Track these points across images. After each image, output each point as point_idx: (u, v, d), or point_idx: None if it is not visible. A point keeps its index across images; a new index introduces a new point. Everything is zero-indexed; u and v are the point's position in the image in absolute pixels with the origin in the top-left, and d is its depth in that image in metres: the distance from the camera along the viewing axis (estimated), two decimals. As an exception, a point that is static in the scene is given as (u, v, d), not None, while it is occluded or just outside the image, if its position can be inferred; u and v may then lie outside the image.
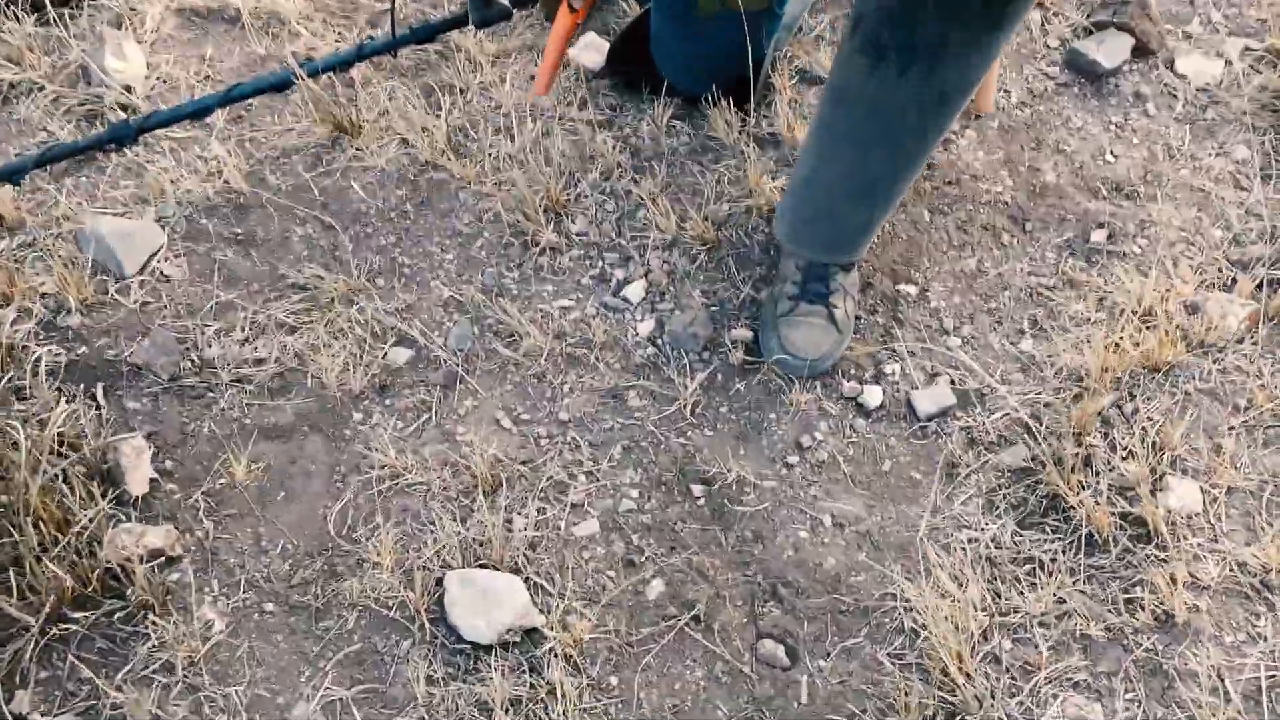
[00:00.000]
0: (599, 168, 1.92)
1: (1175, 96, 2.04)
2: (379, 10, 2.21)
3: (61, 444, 1.52)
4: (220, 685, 1.39)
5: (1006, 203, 1.89)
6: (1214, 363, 1.65)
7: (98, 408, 1.62)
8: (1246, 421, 1.59)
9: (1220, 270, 1.77)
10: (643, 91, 2.02)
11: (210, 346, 1.70)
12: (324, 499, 1.56)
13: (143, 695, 1.37)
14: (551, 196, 1.84)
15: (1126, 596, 1.44)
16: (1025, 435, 1.60)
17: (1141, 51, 2.09)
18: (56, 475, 1.47)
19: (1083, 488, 1.53)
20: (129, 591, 1.42)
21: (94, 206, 1.87)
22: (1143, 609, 1.42)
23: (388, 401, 1.66)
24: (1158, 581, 1.43)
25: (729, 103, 1.94)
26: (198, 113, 1.90)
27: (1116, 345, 1.66)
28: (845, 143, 1.51)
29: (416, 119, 1.97)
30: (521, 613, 1.42)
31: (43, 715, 1.36)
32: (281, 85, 1.94)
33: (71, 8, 2.16)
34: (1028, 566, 1.49)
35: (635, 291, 1.77)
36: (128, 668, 1.39)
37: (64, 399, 1.59)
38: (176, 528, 1.51)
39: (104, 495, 1.48)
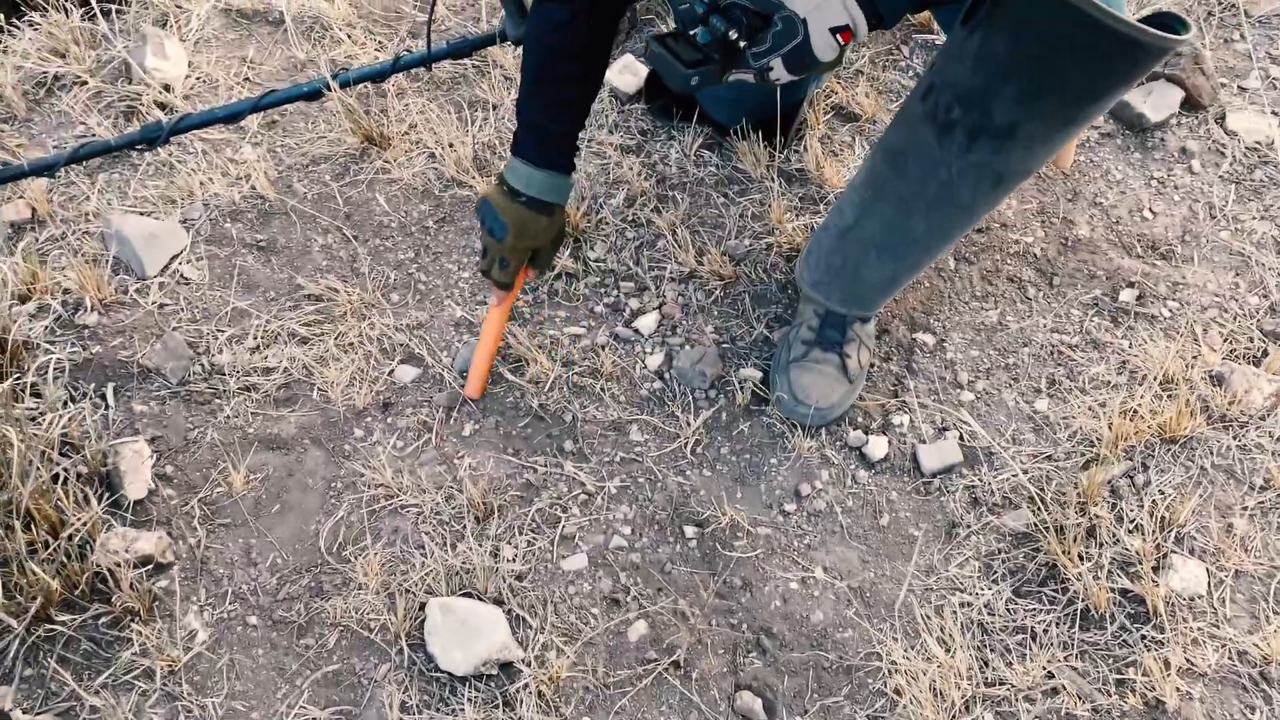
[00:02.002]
0: (623, 193, 1.91)
1: (1223, 154, 1.98)
2: (421, 21, 2.22)
3: (64, 444, 1.54)
4: (198, 696, 1.40)
5: (1036, 255, 1.84)
6: (1234, 438, 1.60)
7: (106, 408, 1.64)
8: (1262, 503, 1.53)
9: (1251, 340, 1.71)
10: (674, 118, 2.00)
11: (221, 353, 1.71)
12: (317, 514, 1.57)
13: (120, 701, 1.38)
14: (572, 220, 1.84)
15: (1118, 677, 1.40)
16: (1030, 499, 1.56)
17: (1192, 105, 2.03)
18: (55, 476, 1.49)
19: (1083, 559, 1.49)
20: (115, 597, 1.43)
21: (123, 204, 1.90)
22: (1133, 692, 1.38)
23: (390, 420, 1.66)
24: (1151, 665, 1.38)
25: (759, 136, 1.92)
26: (230, 117, 1.92)
27: (1134, 412, 1.62)
28: (890, 202, 1.49)
29: (444, 134, 1.97)
30: (500, 646, 1.41)
31: (25, 713, 1.38)
32: (314, 94, 1.95)
33: (119, 4, 2.20)
34: (1019, 636, 1.45)
35: (648, 323, 1.76)
36: (109, 672, 1.40)
37: (72, 398, 1.62)
38: (169, 534, 1.52)
39: (100, 499, 1.50)
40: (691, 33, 1.35)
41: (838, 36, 1.34)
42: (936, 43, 2.12)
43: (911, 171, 1.45)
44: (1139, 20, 1.23)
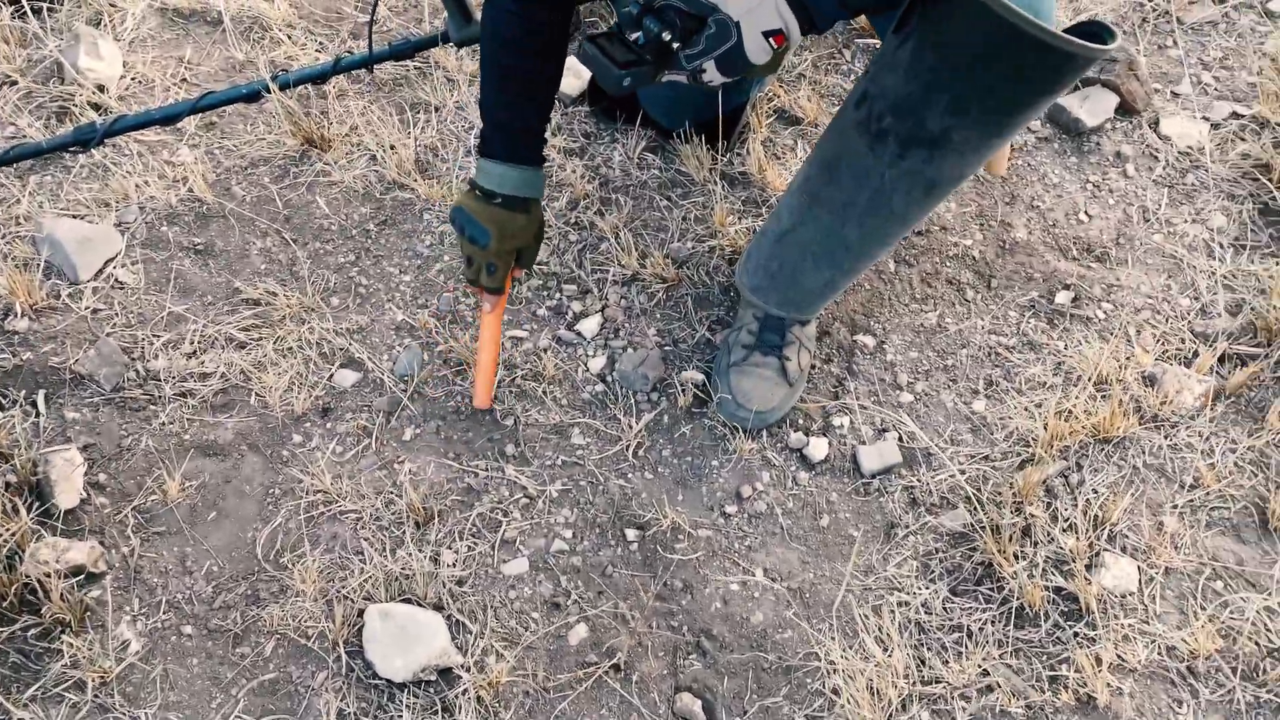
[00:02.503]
0: (566, 196, 1.91)
1: (1156, 158, 2.01)
2: (361, 22, 2.20)
3: (-8, 452, 1.52)
4: (131, 707, 1.38)
5: (974, 257, 1.86)
6: (1165, 438, 1.63)
7: (36, 415, 1.61)
8: (1192, 501, 1.56)
9: (1183, 341, 1.75)
10: (617, 121, 2.01)
11: (157, 358, 1.69)
12: (254, 521, 1.55)
13: (50, 714, 1.36)
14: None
15: (1051, 674, 1.42)
16: (967, 499, 1.58)
17: (1126, 110, 2.07)
18: (-18, 484, 1.46)
19: (1018, 558, 1.51)
20: (45, 608, 1.41)
21: (56, 207, 1.86)
22: (1066, 688, 1.40)
23: (329, 425, 1.65)
24: (1084, 661, 1.41)
25: (702, 139, 1.92)
26: (167, 119, 1.89)
27: (1069, 413, 1.64)
28: (824, 208, 1.50)
29: (386, 135, 1.96)
30: (439, 652, 1.41)
31: (-50, 726, 1.35)
32: (253, 96, 1.93)
33: (50, 2, 2.16)
34: (955, 635, 1.46)
35: (590, 326, 1.76)
36: (38, 685, 1.38)
37: (0, 406, 1.59)
38: (102, 543, 1.50)
39: (30, 508, 1.47)
40: (629, 34, 1.35)
41: (771, 40, 1.35)
42: (877, 47, 2.14)
43: (845, 179, 1.46)
44: (1068, 29, 1.25)
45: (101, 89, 2.02)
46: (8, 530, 1.43)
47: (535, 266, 1.81)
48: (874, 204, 1.46)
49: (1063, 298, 1.81)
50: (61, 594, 1.41)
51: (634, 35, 1.33)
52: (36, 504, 1.49)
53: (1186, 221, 1.92)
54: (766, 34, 1.34)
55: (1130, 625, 1.45)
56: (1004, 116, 1.34)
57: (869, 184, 1.44)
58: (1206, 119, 2.07)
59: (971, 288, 1.83)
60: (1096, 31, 1.26)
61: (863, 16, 1.93)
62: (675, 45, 1.35)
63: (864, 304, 1.80)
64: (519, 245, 1.55)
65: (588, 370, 1.71)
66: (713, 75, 1.40)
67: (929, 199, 1.46)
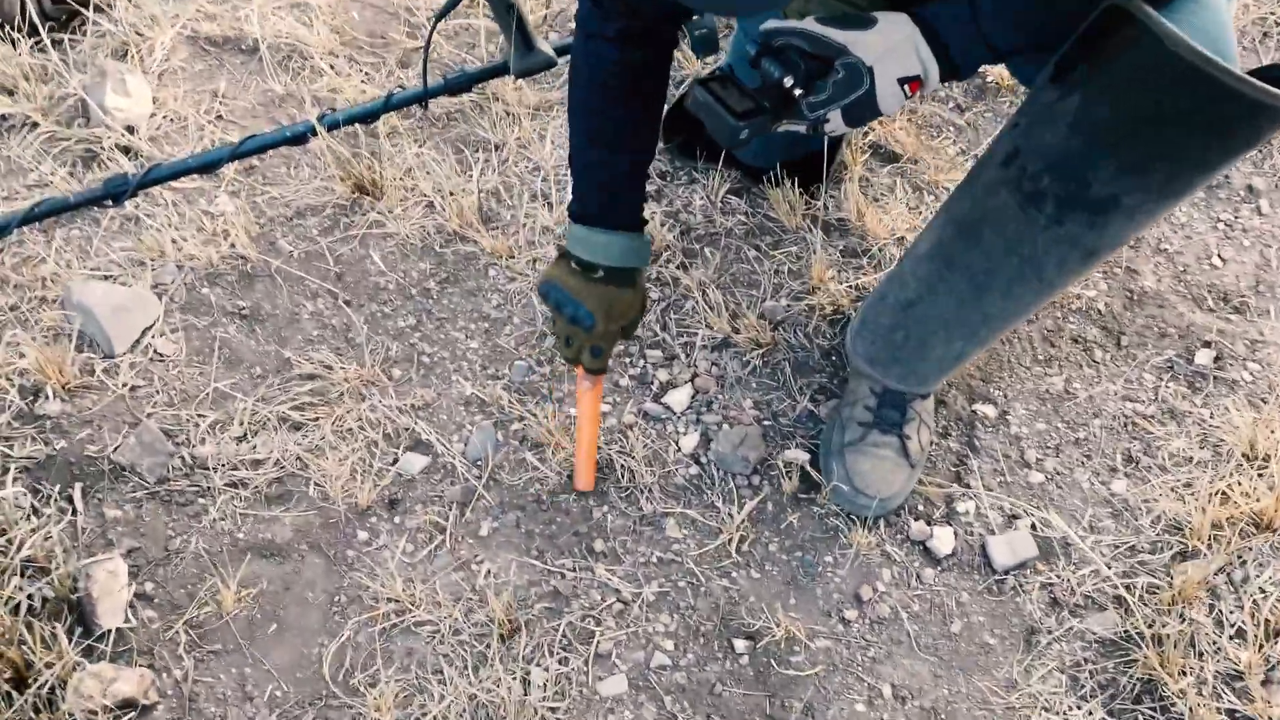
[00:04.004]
0: (644, 246, 1.73)
1: (1291, 191, 1.83)
2: (410, 49, 2.02)
3: (27, 567, 1.35)
4: None
5: (1100, 311, 1.68)
6: (1338, 527, 1.45)
7: (73, 513, 1.44)
8: (1375, 603, 1.39)
9: (1342, 407, 1.57)
10: (698, 160, 1.82)
11: (204, 443, 1.52)
12: (320, 635, 1.38)
13: None
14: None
15: (1234, 817, 1.25)
16: (1116, 600, 1.40)
17: (1254, 136, 1.87)
18: (17, 607, 1.29)
19: (1184, 674, 1.33)
20: (92, 753, 1.25)
21: (86, 266, 1.69)
22: (1253, 836, 1.23)
23: (397, 519, 1.48)
24: (1270, 801, 1.24)
25: (793, 181, 1.74)
26: (204, 167, 1.72)
27: (1224, 495, 1.46)
28: (962, 276, 1.31)
29: (443, 180, 1.78)
30: (536, 797, 1.24)
31: None
32: (299, 139, 1.75)
33: (72, 33, 1.98)
34: (1117, 765, 1.30)
35: (680, 399, 1.58)
36: (86, 843, 1.22)
37: (35, 508, 1.42)
38: (152, 667, 1.33)
39: (70, 632, 1.31)
40: (742, 82, 1.18)
41: (906, 88, 1.18)
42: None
43: (989, 244, 1.28)
44: (1251, 73, 1.07)
45: (131, 130, 1.84)
46: (45, 661, 1.26)
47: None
48: (1022, 272, 1.28)
49: (1203, 357, 1.63)
50: (110, 737, 1.25)
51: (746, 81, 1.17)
52: (78, 626, 1.33)
53: (1332, 265, 1.74)
54: (902, 80, 1.18)
55: (1317, 755, 1.28)
56: (1185, 180, 1.16)
57: (1018, 251, 1.26)
58: (1344, 146, 1.88)
59: (1100, 346, 1.65)
60: (1277, 76, 1.08)
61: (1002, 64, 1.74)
62: (798, 93, 1.18)
63: (981, 368, 1.62)
64: (624, 324, 1.37)
65: (680, 450, 1.54)
66: (836, 125, 1.22)
67: (1084, 266, 1.27)
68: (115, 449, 1.50)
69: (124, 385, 1.57)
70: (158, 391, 1.57)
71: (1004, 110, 1.94)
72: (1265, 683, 1.32)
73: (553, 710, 1.33)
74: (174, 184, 1.79)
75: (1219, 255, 1.75)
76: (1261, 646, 1.35)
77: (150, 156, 1.82)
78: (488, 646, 1.37)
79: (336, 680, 1.35)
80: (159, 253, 1.71)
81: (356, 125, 1.83)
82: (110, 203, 1.69)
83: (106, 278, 1.68)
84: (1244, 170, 1.85)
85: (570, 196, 1.37)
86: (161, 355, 1.61)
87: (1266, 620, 1.37)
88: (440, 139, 1.87)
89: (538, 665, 1.36)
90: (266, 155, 1.84)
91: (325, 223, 1.76)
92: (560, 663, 1.37)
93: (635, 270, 1.36)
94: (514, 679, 1.33)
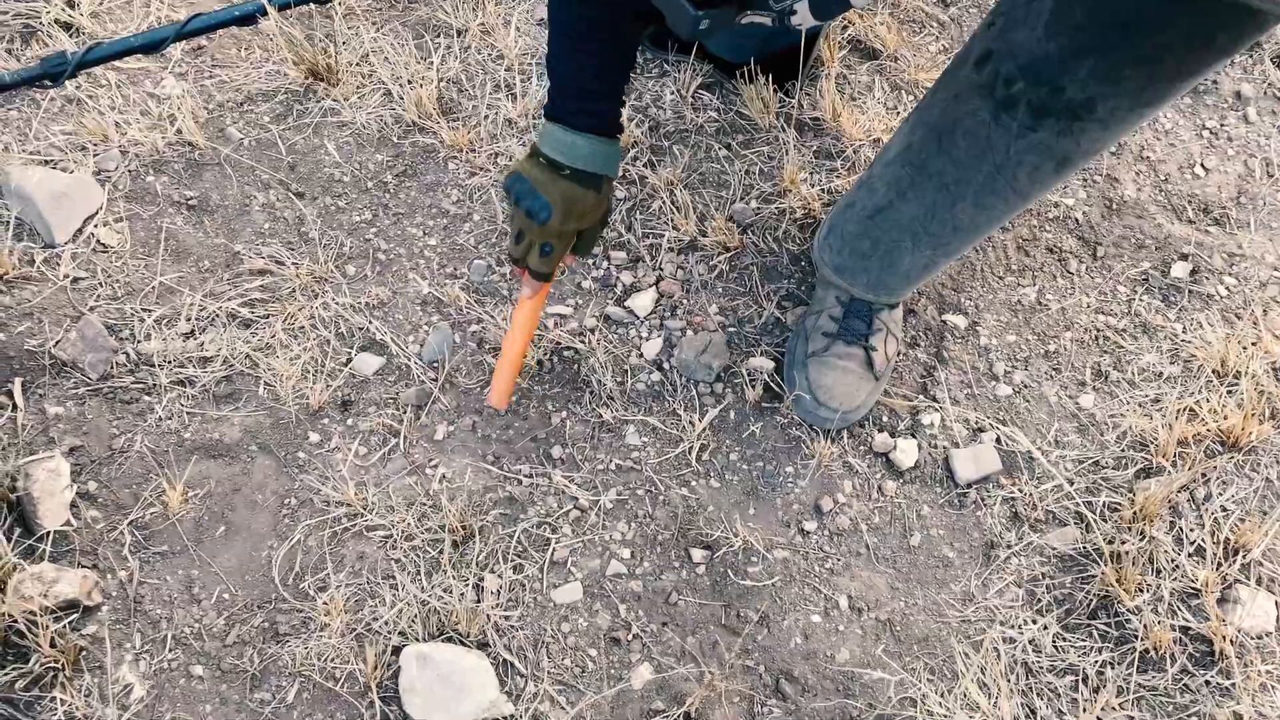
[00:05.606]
0: (611, 142, 1.66)
1: (1280, 99, 1.77)
2: (369, -76, 1.90)
3: (-37, 465, 1.31)
4: (137, 764, 1.21)
5: (1077, 220, 1.64)
6: (1303, 446, 1.44)
7: (13, 409, 1.40)
8: (1336, 523, 1.38)
9: (1317, 324, 1.54)
10: (669, 51, 1.74)
11: (149, 339, 1.47)
12: (269, 538, 1.35)
13: (44, 778, 1.19)
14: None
15: (1181, 732, 1.26)
16: (1077, 516, 1.39)
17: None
18: (-47, 508, 1.26)
19: (1141, 590, 1.33)
20: (33, 655, 1.22)
21: (24, 151, 1.61)
22: (1199, 750, 1.24)
23: (350, 421, 1.44)
24: (1218, 717, 1.24)
25: (768, 77, 1.67)
26: (148, 46, 1.62)
27: (1192, 412, 1.44)
28: (932, 184, 1.25)
29: (402, 67, 1.70)
30: (487, 704, 1.23)
31: (-69, 789, 1.18)
32: (248, 18, 1.65)
33: (9, -101, 1.85)
34: (1069, 679, 1.30)
35: (643, 302, 1.54)
36: (29, 743, 1.21)
37: (-29, 403, 1.38)
38: (96, 568, 1.31)
39: (10, 533, 1.27)
40: None
41: None
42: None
43: (961, 150, 1.22)
44: None
45: (71, 5, 1.74)
46: (-15, 563, 1.23)
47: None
48: (993, 180, 1.22)
49: (1179, 270, 1.59)
50: (52, 638, 1.22)
51: None
52: (17, 526, 1.29)
53: (1316, 178, 1.69)
54: None
55: (1268, 672, 1.28)
56: (1162, 85, 1.10)
57: (990, 158, 1.20)
58: (1337, 53, 1.82)
59: (1075, 257, 1.61)
60: None
61: None
62: None
63: (953, 277, 1.58)
64: (582, 228, 1.31)
65: (641, 356, 1.50)
66: (804, 17, 1.16)
67: (1058, 176, 1.22)
68: (56, 343, 1.45)
69: (65, 277, 1.51)
70: (101, 284, 1.51)
71: (988, 6, 1.86)
72: (1221, 601, 1.32)
73: (505, 617, 1.31)
74: (117, 64, 1.70)
75: (1202, 164, 1.70)
76: (1220, 565, 1.34)
77: (92, 34, 1.72)
78: (440, 552, 1.34)
79: (286, 584, 1.32)
80: (102, 137, 1.63)
81: (311, 4, 1.74)
82: (49, 83, 1.60)
83: (46, 162, 1.60)
84: (1233, 75, 1.79)
85: (544, 93, 1.29)
86: (105, 246, 1.54)
87: (1226, 539, 1.36)
88: (399, 22, 1.78)
89: (491, 572, 1.34)
90: (215, 35, 1.75)
91: (277, 109, 1.68)
92: (514, 570, 1.35)
93: (602, 178, 1.29)
94: (467, 585, 1.32)
